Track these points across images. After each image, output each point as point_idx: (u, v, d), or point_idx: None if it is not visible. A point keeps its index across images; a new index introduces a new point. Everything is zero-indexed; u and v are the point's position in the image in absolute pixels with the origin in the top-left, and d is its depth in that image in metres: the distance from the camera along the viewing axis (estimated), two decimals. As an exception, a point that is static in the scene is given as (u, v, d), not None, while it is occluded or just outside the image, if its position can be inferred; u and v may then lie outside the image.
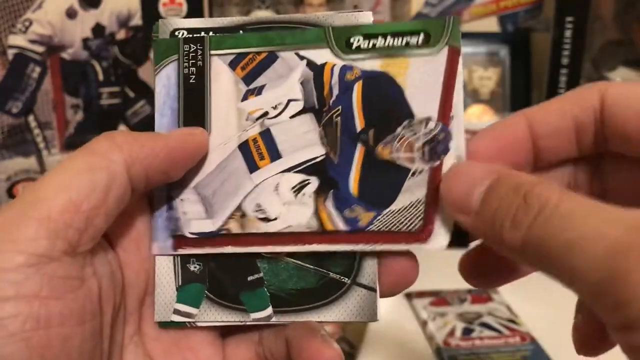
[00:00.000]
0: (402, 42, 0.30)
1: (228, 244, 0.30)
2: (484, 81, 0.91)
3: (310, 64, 0.30)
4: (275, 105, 0.30)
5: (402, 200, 0.29)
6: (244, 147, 0.30)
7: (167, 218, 0.31)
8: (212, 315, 0.31)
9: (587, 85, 0.26)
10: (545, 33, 0.87)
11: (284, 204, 0.30)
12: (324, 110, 0.30)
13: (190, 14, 0.84)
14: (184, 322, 0.31)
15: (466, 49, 0.90)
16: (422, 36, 0.30)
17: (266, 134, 0.30)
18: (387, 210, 0.29)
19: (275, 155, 0.30)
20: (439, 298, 0.64)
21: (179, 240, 0.31)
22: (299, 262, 0.30)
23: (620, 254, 0.19)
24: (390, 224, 0.29)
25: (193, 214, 0.31)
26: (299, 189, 0.30)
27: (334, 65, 0.30)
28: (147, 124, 0.86)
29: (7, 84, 0.81)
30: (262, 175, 0.30)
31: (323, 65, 0.30)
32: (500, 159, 0.27)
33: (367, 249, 0.29)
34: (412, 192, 0.29)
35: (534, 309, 0.64)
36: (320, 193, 0.30)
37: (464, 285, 0.31)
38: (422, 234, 0.28)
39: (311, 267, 0.30)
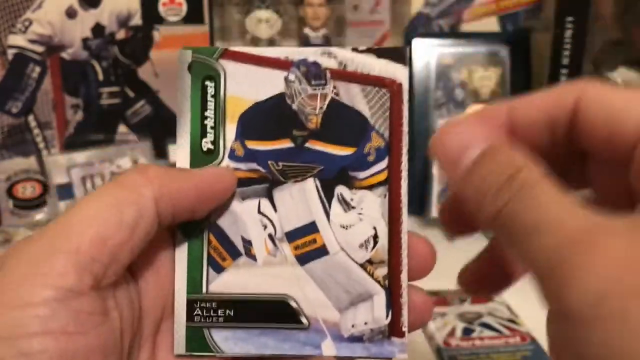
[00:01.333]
0: None
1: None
2: (484, 81, 0.91)
3: None
4: None
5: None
6: None
7: None
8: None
9: (569, 84, 0.26)
10: (545, 33, 0.87)
11: None
12: None
13: (190, 14, 0.84)
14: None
15: (466, 49, 0.90)
16: None
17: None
18: None
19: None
20: (439, 298, 0.64)
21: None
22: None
23: (573, 245, 0.19)
24: None
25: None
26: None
27: None
28: (147, 124, 0.86)
29: (7, 84, 0.81)
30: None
31: None
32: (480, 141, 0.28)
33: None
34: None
35: (534, 309, 0.63)
36: None
37: (464, 285, 0.31)
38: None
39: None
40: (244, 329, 0.30)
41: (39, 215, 0.84)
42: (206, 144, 0.31)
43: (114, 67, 0.84)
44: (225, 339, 0.30)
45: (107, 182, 0.27)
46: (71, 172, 0.81)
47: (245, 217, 0.30)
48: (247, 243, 0.30)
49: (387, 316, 0.29)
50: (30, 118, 0.83)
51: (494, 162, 0.24)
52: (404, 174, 0.29)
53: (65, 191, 0.81)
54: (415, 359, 0.59)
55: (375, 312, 0.29)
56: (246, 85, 0.30)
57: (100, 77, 0.84)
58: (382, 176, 0.30)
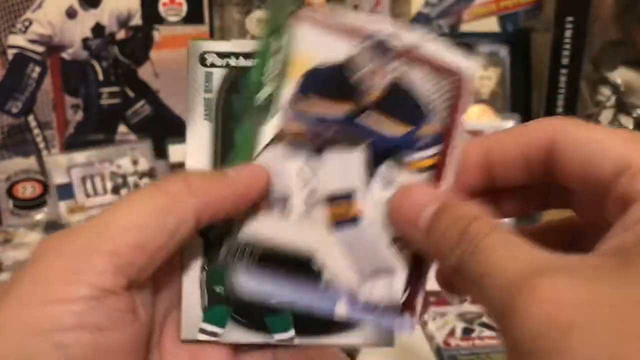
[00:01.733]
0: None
1: None
2: (484, 81, 0.91)
3: None
4: None
5: None
6: None
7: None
8: (237, 335, 0.31)
9: (543, 121, 0.28)
10: (545, 33, 0.87)
11: None
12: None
13: (190, 14, 0.84)
14: (210, 340, 0.31)
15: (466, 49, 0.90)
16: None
17: None
18: None
19: None
20: (439, 298, 0.64)
21: None
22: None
23: (515, 288, 0.21)
24: None
25: None
26: None
27: None
28: (147, 124, 0.86)
29: (7, 84, 0.81)
30: None
31: None
32: (457, 181, 0.30)
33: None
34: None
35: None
36: None
37: (464, 285, 0.31)
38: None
39: None
40: (266, 273, 0.30)
41: (39, 215, 0.84)
42: (264, 94, 0.31)
43: (114, 67, 0.84)
44: (246, 279, 0.30)
45: (148, 186, 0.28)
46: (71, 172, 0.81)
47: (288, 172, 0.31)
48: (285, 196, 0.31)
49: (402, 296, 0.30)
50: (31, 118, 0.83)
51: (448, 217, 0.26)
52: (452, 166, 0.30)
53: (65, 191, 0.81)
54: (415, 359, 0.59)
55: (393, 290, 0.30)
56: (313, 47, 0.31)
57: (100, 77, 0.84)
58: (430, 162, 0.30)
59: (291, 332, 0.31)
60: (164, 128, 0.85)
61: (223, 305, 0.31)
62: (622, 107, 0.83)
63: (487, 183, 0.29)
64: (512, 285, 0.21)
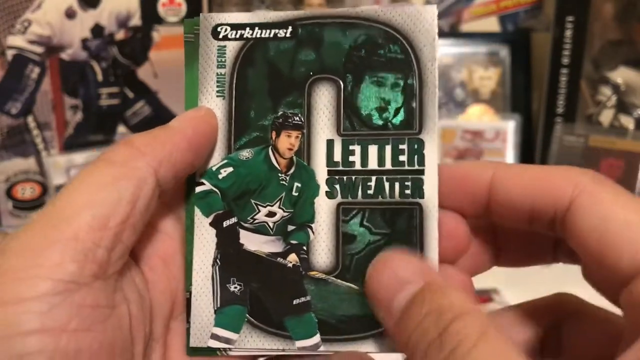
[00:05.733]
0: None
1: None
2: (484, 81, 0.91)
3: None
4: None
5: None
6: None
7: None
8: (253, 341, 0.28)
9: (565, 170, 0.24)
10: (545, 33, 0.86)
11: None
12: None
13: (189, 15, 0.84)
14: (221, 348, 0.28)
15: (466, 48, 0.90)
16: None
17: None
18: None
19: None
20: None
21: None
22: (352, 285, 0.28)
23: None
24: None
25: None
26: None
27: None
28: (146, 125, 0.86)
29: (6, 85, 0.80)
30: None
31: None
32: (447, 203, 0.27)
33: None
34: None
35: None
36: None
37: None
38: None
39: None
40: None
41: (39, 216, 0.83)
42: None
43: (113, 67, 0.84)
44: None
45: (94, 161, 0.25)
46: (70, 172, 0.81)
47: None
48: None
49: None
50: (30, 119, 0.83)
51: (424, 308, 0.22)
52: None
53: (65, 192, 0.81)
54: None
55: None
56: None
57: (100, 77, 0.84)
58: None
59: (316, 338, 0.27)
60: (164, 129, 0.85)
61: (238, 305, 0.28)
62: (622, 107, 0.83)
63: (480, 213, 0.26)
64: None
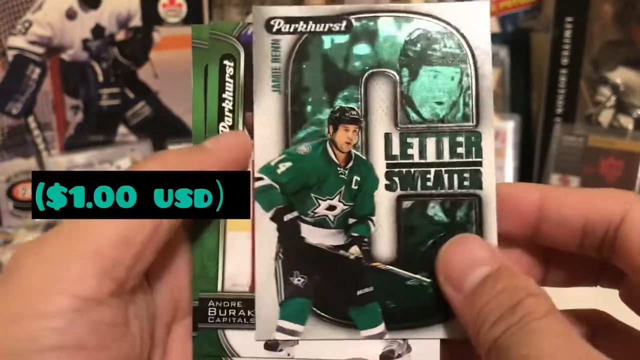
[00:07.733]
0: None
1: None
2: (484, 81, 0.91)
3: None
4: None
5: None
6: None
7: None
8: (319, 332, 0.28)
9: (615, 192, 0.25)
10: (545, 33, 0.86)
11: None
12: None
13: (189, 15, 0.84)
14: (288, 340, 0.28)
15: (466, 49, 0.90)
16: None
17: None
18: None
19: None
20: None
21: None
22: (414, 275, 0.28)
23: None
24: None
25: None
26: None
27: None
28: (147, 125, 0.86)
29: (7, 85, 0.81)
30: None
31: None
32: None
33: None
34: None
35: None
36: None
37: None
38: None
39: (427, 279, 0.28)
40: None
41: (39, 217, 0.83)
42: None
43: (113, 68, 0.84)
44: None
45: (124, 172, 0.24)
46: (71, 173, 0.81)
47: None
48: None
49: None
50: (30, 119, 0.83)
51: (500, 285, 0.23)
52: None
53: (66, 192, 0.81)
54: None
55: None
56: None
57: (100, 78, 0.84)
58: None
59: (381, 327, 0.28)
60: (164, 129, 0.85)
61: (302, 298, 0.28)
62: (621, 107, 0.83)
63: (528, 235, 0.27)
64: None
